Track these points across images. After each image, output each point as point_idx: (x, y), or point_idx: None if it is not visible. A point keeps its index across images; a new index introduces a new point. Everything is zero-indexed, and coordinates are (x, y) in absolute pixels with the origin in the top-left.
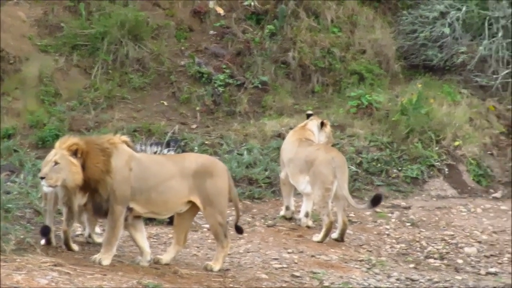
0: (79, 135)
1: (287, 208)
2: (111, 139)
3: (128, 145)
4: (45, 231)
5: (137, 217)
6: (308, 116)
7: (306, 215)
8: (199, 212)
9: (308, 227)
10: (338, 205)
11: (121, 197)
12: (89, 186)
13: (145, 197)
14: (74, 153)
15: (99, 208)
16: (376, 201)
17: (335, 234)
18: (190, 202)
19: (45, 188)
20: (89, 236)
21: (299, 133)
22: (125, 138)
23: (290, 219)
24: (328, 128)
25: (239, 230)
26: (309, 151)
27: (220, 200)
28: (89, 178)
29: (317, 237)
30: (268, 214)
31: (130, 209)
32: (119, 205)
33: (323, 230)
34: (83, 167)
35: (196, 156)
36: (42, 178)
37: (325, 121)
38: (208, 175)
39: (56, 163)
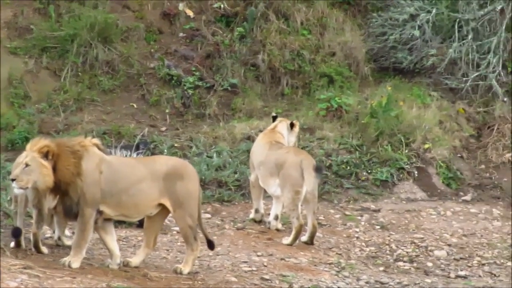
0: (49, 137)
1: (257, 211)
2: (82, 141)
3: (99, 148)
4: (16, 233)
5: (107, 219)
6: (274, 118)
7: (276, 218)
8: (169, 215)
9: (277, 230)
10: (308, 208)
11: (91, 200)
12: (60, 189)
13: (116, 200)
14: (45, 155)
15: (69, 210)
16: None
17: (304, 237)
18: (160, 204)
19: (16, 190)
20: (59, 238)
21: (269, 136)
22: (96, 141)
23: (260, 222)
24: (297, 129)
25: (211, 245)
26: (279, 154)
27: (190, 203)
28: (60, 180)
29: (287, 240)
30: (238, 217)
31: (100, 212)
32: (89, 208)
33: (293, 233)
34: (54, 169)
35: (166, 158)
36: (13, 180)
37: (294, 121)
38: (179, 177)
39: (27, 165)
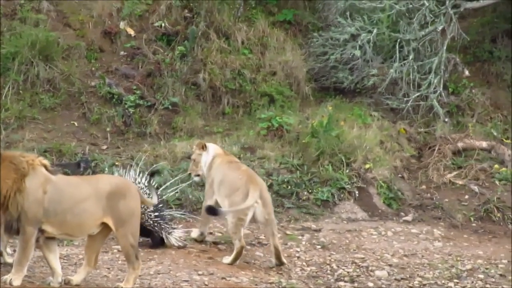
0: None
1: (202, 234)
2: (31, 160)
3: (47, 169)
4: None
5: (51, 237)
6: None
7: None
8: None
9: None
10: (266, 231)
11: (33, 218)
12: (1, 202)
13: (60, 219)
14: None
15: (10, 226)
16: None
17: (273, 260)
18: (103, 223)
19: None
20: (0, 254)
21: (227, 157)
22: (45, 161)
23: (201, 241)
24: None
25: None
26: (233, 176)
27: (133, 221)
28: None
29: (227, 259)
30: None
31: (41, 231)
32: (30, 226)
33: (234, 253)
34: None
35: (109, 177)
36: None
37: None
38: (122, 196)
39: None
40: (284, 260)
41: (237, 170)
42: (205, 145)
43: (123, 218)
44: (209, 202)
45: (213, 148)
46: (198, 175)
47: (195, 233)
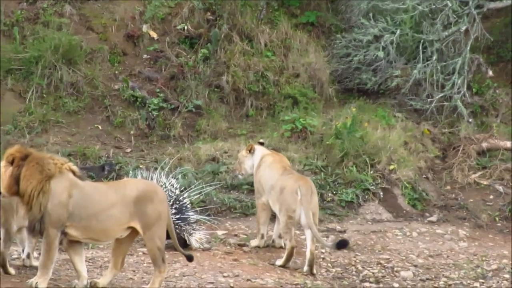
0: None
1: (262, 236)
2: (60, 163)
3: (75, 175)
4: None
5: (77, 241)
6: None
7: (280, 236)
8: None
9: (281, 247)
10: (307, 234)
11: (56, 220)
12: (24, 201)
13: (84, 224)
14: (10, 162)
15: (32, 227)
16: (341, 245)
17: (305, 267)
18: (130, 227)
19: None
20: (28, 256)
21: (281, 160)
22: (74, 167)
23: (266, 247)
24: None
25: (189, 258)
26: (284, 179)
27: (160, 225)
28: (23, 191)
29: (280, 261)
30: (204, 238)
31: (64, 233)
32: (53, 228)
33: (285, 254)
34: (19, 178)
35: (136, 182)
36: None
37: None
38: (149, 200)
39: None
40: (315, 271)
41: (288, 174)
42: (253, 148)
43: (150, 222)
44: (263, 199)
45: (260, 150)
46: (242, 174)
47: (255, 241)
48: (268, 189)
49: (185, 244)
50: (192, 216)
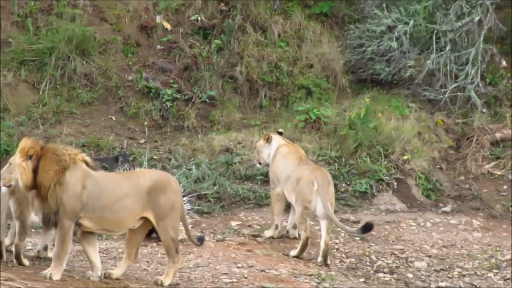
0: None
1: (277, 227)
2: (73, 154)
3: (88, 165)
4: None
5: (90, 232)
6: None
7: (294, 226)
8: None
9: (295, 238)
10: (322, 225)
11: (70, 212)
12: (40, 193)
13: (98, 215)
14: (28, 156)
15: (48, 219)
16: (366, 229)
17: (319, 257)
18: (143, 217)
19: (3, 189)
20: (45, 248)
21: (297, 151)
22: (87, 158)
23: (280, 238)
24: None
25: (200, 240)
26: (300, 169)
27: (173, 215)
28: (40, 183)
29: (294, 252)
30: (217, 228)
31: (78, 225)
32: (67, 220)
33: (300, 244)
34: (36, 171)
35: (149, 172)
36: None
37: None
38: (162, 191)
39: (10, 164)
40: (329, 262)
41: (304, 165)
42: (270, 137)
43: (163, 212)
44: (277, 189)
45: (276, 140)
46: (260, 163)
47: (269, 232)
48: (283, 179)
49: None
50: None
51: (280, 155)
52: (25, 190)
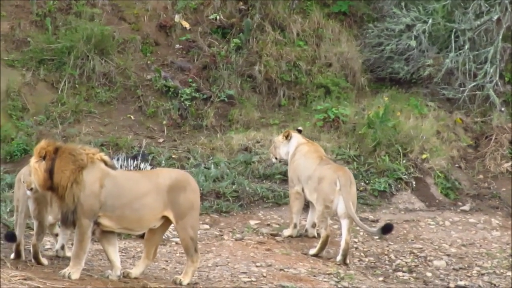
0: (61, 141)
1: (295, 226)
2: (91, 154)
3: (106, 164)
4: (9, 238)
5: (110, 231)
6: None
7: (313, 225)
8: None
9: (314, 237)
10: (343, 224)
11: (88, 211)
12: (58, 193)
13: (118, 214)
14: (42, 157)
15: (66, 218)
16: (386, 229)
17: (339, 256)
18: (163, 217)
19: (28, 192)
20: (62, 248)
21: (317, 150)
22: (105, 157)
23: (298, 237)
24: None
25: None
26: (322, 169)
27: (192, 214)
28: (57, 183)
29: (313, 250)
30: (236, 227)
31: (97, 224)
32: (85, 219)
33: (319, 243)
34: (52, 171)
35: (169, 171)
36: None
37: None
38: (182, 189)
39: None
40: (348, 261)
41: (326, 164)
42: (290, 134)
43: (183, 211)
44: (296, 188)
45: (296, 138)
46: (276, 159)
47: (288, 231)
48: (304, 179)
49: None
50: None
51: (299, 153)
52: (40, 190)
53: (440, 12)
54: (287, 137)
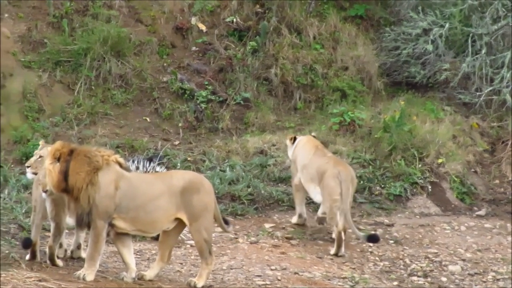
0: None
1: (300, 215)
2: (107, 155)
3: (121, 166)
4: (26, 244)
5: (125, 233)
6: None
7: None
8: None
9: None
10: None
11: (103, 212)
12: (73, 195)
13: (132, 215)
14: (57, 159)
15: (80, 220)
16: (372, 239)
17: (332, 250)
18: (177, 219)
19: (28, 175)
20: (78, 247)
21: (314, 140)
22: (120, 159)
23: (303, 225)
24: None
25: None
26: (321, 162)
27: (206, 216)
28: (72, 185)
29: (332, 250)
30: (251, 230)
31: (112, 225)
32: (100, 220)
33: (335, 242)
34: (67, 173)
35: (183, 173)
36: (28, 166)
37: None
38: (195, 191)
39: (40, 156)
40: (343, 251)
41: (321, 156)
42: (294, 138)
43: (197, 213)
44: (295, 180)
45: (299, 138)
46: (290, 160)
47: (294, 219)
48: (300, 168)
49: None
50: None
51: (298, 146)
52: (55, 192)
53: (457, 16)
54: (293, 141)
